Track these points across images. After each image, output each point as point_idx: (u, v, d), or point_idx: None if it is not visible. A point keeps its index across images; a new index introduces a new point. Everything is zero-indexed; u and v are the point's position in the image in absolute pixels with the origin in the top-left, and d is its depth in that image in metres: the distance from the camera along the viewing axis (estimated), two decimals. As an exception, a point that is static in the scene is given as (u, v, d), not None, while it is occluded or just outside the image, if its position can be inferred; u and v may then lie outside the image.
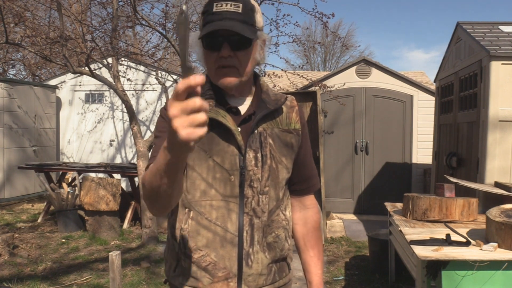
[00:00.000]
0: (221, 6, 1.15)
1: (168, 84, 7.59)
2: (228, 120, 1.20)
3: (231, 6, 1.15)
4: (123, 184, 6.78)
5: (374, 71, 6.95)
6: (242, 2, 1.17)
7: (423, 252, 2.25)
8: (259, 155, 1.22)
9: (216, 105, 1.23)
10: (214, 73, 1.20)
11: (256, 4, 1.23)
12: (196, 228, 1.21)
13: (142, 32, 12.23)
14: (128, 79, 7.33)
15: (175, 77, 7.58)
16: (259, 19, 1.23)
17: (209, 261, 1.20)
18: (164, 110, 1.26)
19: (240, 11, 1.16)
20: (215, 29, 1.13)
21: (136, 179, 6.00)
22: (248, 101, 1.28)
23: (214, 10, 1.16)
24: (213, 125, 1.20)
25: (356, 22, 40.44)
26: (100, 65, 6.23)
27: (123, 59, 6.77)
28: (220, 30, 1.14)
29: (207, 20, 1.16)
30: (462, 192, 3.76)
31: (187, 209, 1.22)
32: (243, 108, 1.27)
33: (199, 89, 0.73)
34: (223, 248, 1.19)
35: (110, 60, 5.80)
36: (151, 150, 1.32)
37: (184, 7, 0.71)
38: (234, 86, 1.22)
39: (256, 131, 1.23)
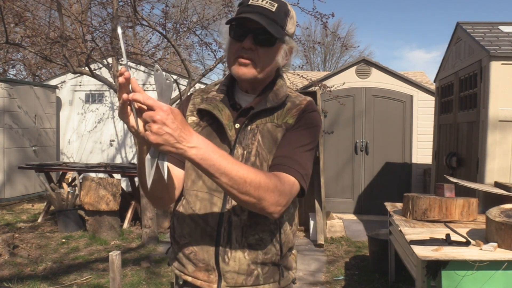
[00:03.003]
0: (257, 0, 1.18)
1: (168, 84, 7.58)
2: (223, 115, 1.21)
3: (266, 3, 1.18)
4: (123, 184, 6.78)
5: (374, 71, 6.95)
6: (279, 2, 1.19)
7: (423, 252, 2.25)
8: (245, 152, 1.21)
9: (222, 99, 1.26)
10: (233, 63, 1.21)
11: (293, 12, 1.24)
12: (183, 215, 1.24)
13: (142, 32, 12.21)
14: (128, 79, 7.31)
15: (175, 77, 7.58)
16: (291, 25, 1.23)
17: (191, 249, 1.22)
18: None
19: (273, 10, 1.18)
20: (242, 17, 1.15)
21: (136, 179, 6.00)
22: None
23: (249, 2, 1.19)
24: (213, 119, 1.23)
25: (357, 22, 40.49)
26: (100, 65, 6.23)
27: (123, 59, 6.77)
28: (248, 23, 1.16)
29: (240, 11, 1.19)
30: (462, 192, 3.76)
31: (182, 197, 1.26)
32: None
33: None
34: (202, 240, 1.21)
35: (110, 60, 5.81)
36: None
37: (156, 66, 0.85)
38: (248, 80, 1.22)
39: (249, 128, 1.22)
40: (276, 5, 1.18)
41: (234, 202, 1.19)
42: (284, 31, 1.21)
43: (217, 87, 1.32)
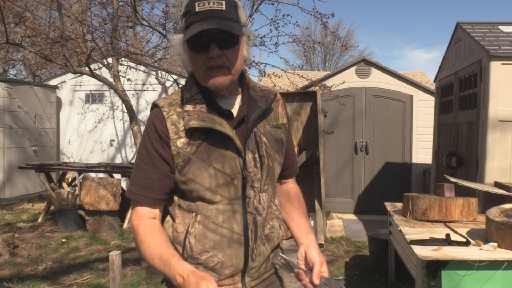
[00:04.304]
0: (203, 5, 1.11)
1: (168, 84, 7.59)
2: (225, 127, 1.17)
3: (214, 4, 1.11)
4: (123, 184, 6.78)
5: (374, 71, 6.95)
6: None
7: (423, 252, 2.25)
8: (256, 155, 1.23)
9: (208, 110, 1.19)
10: (203, 75, 1.16)
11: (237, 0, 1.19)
12: (203, 231, 1.20)
13: (142, 32, 12.23)
14: (128, 79, 7.34)
15: (175, 77, 7.58)
16: (242, 14, 1.18)
17: (217, 261, 1.21)
18: (148, 132, 1.22)
19: (223, 8, 1.11)
20: (203, 29, 1.08)
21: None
22: (238, 100, 1.26)
23: (197, 10, 1.11)
24: (208, 132, 1.18)
25: (357, 22, 40.42)
26: (100, 65, 6.24)
27: (123, 59, 6.78)
28: (205, 30, 1.09)
29: (191, 21, 1.12)
30: (462, 192, 3.76)
31: (194, 213, 1.22)
32: (234, 109, 1.24)
33: None
34: (230, 248, 1.21)
35: (110, 60, 5.81)
36: (133, 173, 1.25)
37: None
38: (226, 86, 1.19)
39: (252, 132, 1.24)
40: (223, 2, 1.12)
41: (255, 204, 1.24)
42: (240, 25, 1.16)
43: (187, 97, 1.22)
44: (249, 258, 1.23)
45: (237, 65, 1.17)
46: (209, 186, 1.19)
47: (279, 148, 1.30)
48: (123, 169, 6.10)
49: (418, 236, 2.54)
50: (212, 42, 1.11)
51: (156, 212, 1.25)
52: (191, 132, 1.18)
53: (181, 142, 1.18)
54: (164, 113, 1.21)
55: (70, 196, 5.63)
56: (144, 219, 1.22)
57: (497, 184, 3.71)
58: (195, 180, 1.18)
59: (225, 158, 1.19)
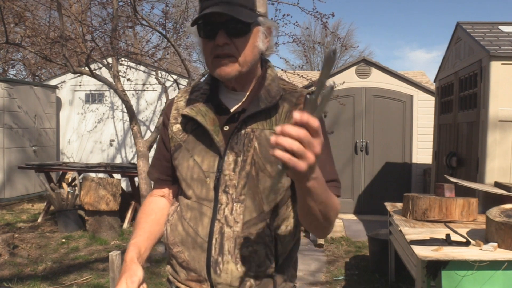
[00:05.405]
0: None
1: (168, 84, 7.58)
2: (207, 120, 1.13)
3: None
4: (123, 184, 6.78)
5: (374, 71, 6.95)
6: None
7: (423, 252, 2.25)
8: (240, 159, 1.11)
9: (205, 101, 1.16)
10: (211, 64, 1.10)
11: None
12: (176, 222, 1.20)
13: (142, 32, 12.22)
14: (128, 79, 7.33)
15: (175, 77, 7.58)
16: (261, 4, 1.12)
17: (184, 258, 1.17)
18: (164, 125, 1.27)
19: None
20: (206, 13, 1.04)
21: (136, 179, 6.00)
22: (245, 96, 1.17)
23: None
24: (197, 124, 1.15)
25: (357, 22, 40.47)
26: (100, 65, 6.23)
27: (123, 59, 6.77)
28: (216, 17, 1.05)
29: (203, 7, 1.08)
30: (462, 192, 3.76)
31: (178, 203, 1.23)
32: (237, 106, 1.16)
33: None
34: (194, 250, 1.15)
35: (110, 60, 5.81)
36: (152, 160, 1.36)
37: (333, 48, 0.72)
38: (233, 78, 1.11)
39: (243, 132, 1.12)
40: None
41: (226, 213, 1.11)
42: (255, 13, 1.09)
43: (200, 85, 1.22)
44: (211, 269, 1.12)
45: (247, 56, 1.09)
46: (185, 177, 1.17)
47: (275, 159, 1.12)
48: (123, 169, 6.10)
49: (418, 236, 2.54)
50: (221, 29, 1.06)
51: (165, 191, 1.31)
52: (186, 120, 1.18)
53: (176, 127, 1.20)
54: (176, 99, 1.26)
55: (70, 196, 5.63)
56: (152, 195, 1.32)
57: (497, 184, 3.71)
58: (178, 168, 1.19)
59: (207, 154, 1.14)
